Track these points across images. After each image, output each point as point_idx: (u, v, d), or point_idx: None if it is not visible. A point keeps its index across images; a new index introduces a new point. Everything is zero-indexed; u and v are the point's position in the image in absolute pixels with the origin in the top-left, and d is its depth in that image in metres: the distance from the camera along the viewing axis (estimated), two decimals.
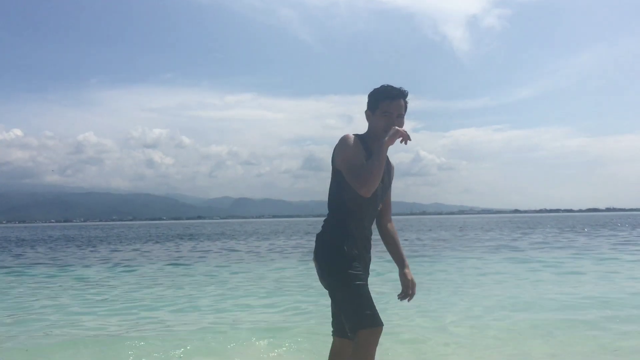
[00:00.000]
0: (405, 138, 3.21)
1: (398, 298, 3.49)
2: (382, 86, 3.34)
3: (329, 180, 3.37)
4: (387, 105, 3.26)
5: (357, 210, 3.27)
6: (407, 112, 3.36)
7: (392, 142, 3.16)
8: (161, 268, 15.80)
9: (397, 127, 3.18)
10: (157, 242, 32.99)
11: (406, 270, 3.49)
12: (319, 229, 3.35)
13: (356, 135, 3.28)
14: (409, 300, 3.50)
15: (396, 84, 3.33)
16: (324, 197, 3.38)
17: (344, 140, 3.24)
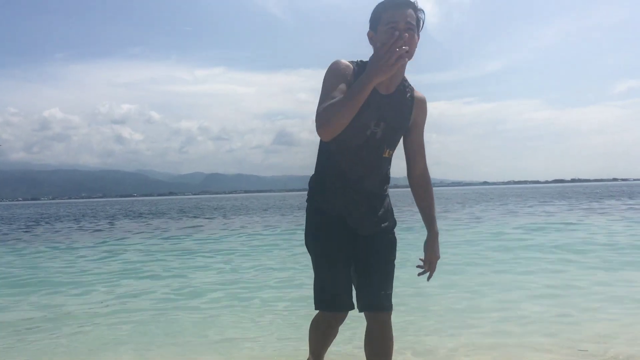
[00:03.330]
0: (408, 52, 2.37)
1: (418, 275, 2.79)
2: None
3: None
4: (390, 14, 2.43)
5: (341, 157, 2.57)
6: (421, 31, 2.50)
7: (382, 74, 2.24)
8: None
9: (394, 52, 2.20)
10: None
11: (430, 237, 2.75)
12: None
13: (355, 63, 2.54)
14: (427, 279, 2.80)
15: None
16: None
17: (330, 67, 2.53)
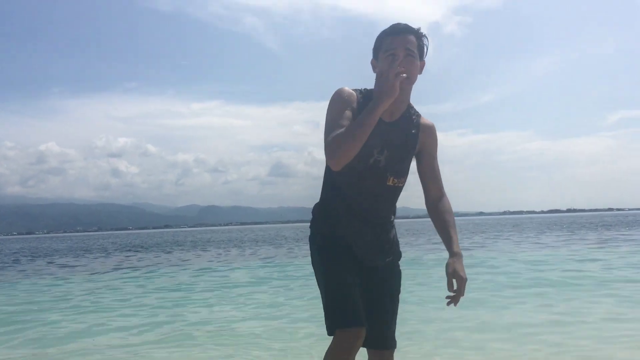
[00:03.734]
0: (409, 78, 2.42)
1: (447, 304, 2.51)
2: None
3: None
4: (390, 42, 2.46)
5: (346, 185, 2.54)
6: (425, 57, 2.54)
7: (387, 97, 2.27)
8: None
9: (391, 72, 2.26)
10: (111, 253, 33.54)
11: (452, 260, 2.51)
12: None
13: (360, 91, 2.53)
14: (454, 304, 2.49)
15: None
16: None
17: (334, 95, 2.51)
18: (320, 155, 2.52)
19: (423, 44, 2.52)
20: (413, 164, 2.68)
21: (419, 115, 2.64)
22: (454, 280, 2.46)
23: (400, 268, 2.73)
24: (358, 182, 2.51)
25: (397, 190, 2.61)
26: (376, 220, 2.59)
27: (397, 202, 2.67)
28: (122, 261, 23.28)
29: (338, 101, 2.47)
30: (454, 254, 2.52)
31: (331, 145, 2.33)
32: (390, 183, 2.55)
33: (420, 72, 2.53)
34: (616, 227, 38.71)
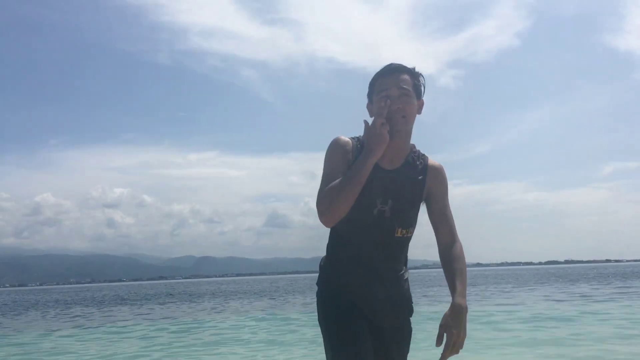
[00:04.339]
0: (405, 117, 2.29)
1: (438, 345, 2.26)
2: None
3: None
4: (382, 82, 2.33)
5: (352, 238, 2.37)
6: (423, 96, 2.40)
7: (376, 147, 2.19)
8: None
9: (377, 120, 2.19)
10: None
11: (448, 311, 2.24)
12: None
13: (357, 138, 2.39)
14: (448, 354, 2.21)
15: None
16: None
17: (330, 146, 2.37)
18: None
19: (419, 82, 2.38)
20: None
21: (425, 158, 2.47)
22: (445, 334, 2.22)
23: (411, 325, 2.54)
24: (365, 234, 2.34)
25: (406, 241, 2.43)
26: (386, 274, 2.40)
27: (407, 252, 2.49)
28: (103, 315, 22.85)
29: (332, 153, 2.34)
30: (453, 305, 2.24)
31: (321, 202, 2.21)
32: (398, 234, 2.37)
33: (419, 112, 2.39)
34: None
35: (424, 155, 2.48)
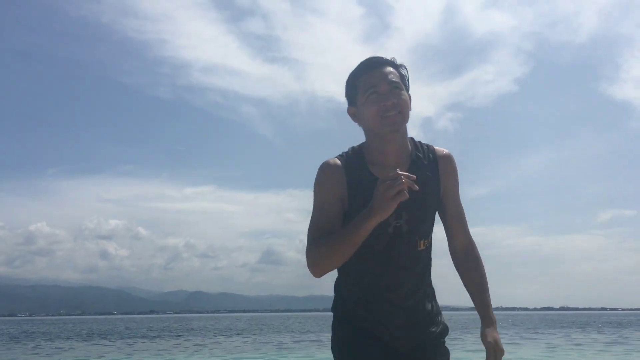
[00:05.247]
0: (401, 113, 1.99)
1: None
2: None
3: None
4: (367, 79, 2.02)
5: (369, 263, 2.04)
6: (409, 89, 2.09)
7: (378, 215, 1.79)
8: None
9: (388, 193, 1.73)
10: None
11: (490, 329, 2.06)
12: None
13: (345, 155, 2.09)
14: None
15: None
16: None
17: (317, 176, 2.07)
18: None
19: (403, 73, 2.07)
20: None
21: (431, 150, 2.14)
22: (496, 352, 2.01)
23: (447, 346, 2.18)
24: (384, 256, 2.00)
25: (429, 252, 2.13)
26: (409, 302, 2.05)
27: (431, 264, 2.16)
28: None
29: (319, 188, 2.03)
30: (491, 322, 2.05)
31: (311, 256, 1.94)
32: (422, 247, 2.05)
33: (410, 108, 2.05)
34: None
35: (428, 145, 2.15)
